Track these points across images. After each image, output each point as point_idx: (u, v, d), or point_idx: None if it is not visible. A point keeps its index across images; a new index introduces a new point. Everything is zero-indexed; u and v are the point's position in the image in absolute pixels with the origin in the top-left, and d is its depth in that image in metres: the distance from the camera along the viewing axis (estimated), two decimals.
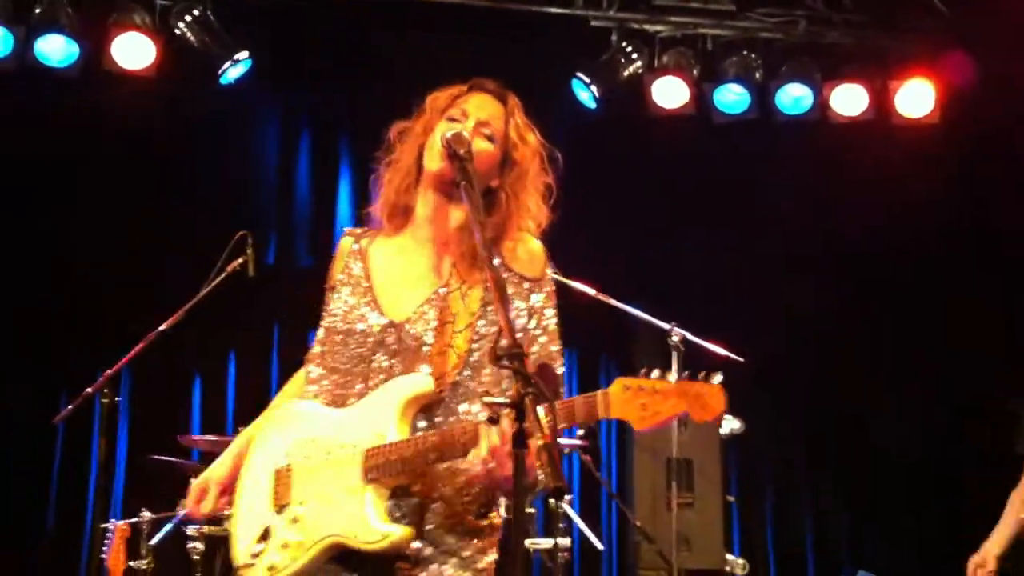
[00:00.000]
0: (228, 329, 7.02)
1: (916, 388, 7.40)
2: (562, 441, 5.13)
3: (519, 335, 2.53)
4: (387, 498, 2.51)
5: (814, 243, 7.22)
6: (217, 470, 2.78)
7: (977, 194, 7.24)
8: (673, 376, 2.39)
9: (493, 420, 2.38)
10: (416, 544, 2.51)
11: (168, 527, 5.11)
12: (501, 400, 2.32)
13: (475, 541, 2.56)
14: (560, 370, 2.67)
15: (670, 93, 7.04)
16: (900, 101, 7.11)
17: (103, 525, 4.62)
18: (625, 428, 6.32)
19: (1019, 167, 6.87)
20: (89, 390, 4.52)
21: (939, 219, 7.30)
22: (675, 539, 5.33)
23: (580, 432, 5.39)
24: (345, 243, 2.82)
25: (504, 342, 2.21)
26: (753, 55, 7.11)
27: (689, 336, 5.03)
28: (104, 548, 4.36)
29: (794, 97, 7.11)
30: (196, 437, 5.59)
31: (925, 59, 7.05)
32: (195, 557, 5.11)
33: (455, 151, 2.54)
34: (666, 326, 5.05)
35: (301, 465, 2.63)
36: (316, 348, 2.78)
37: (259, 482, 2.70)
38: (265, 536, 2.61)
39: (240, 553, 2.65)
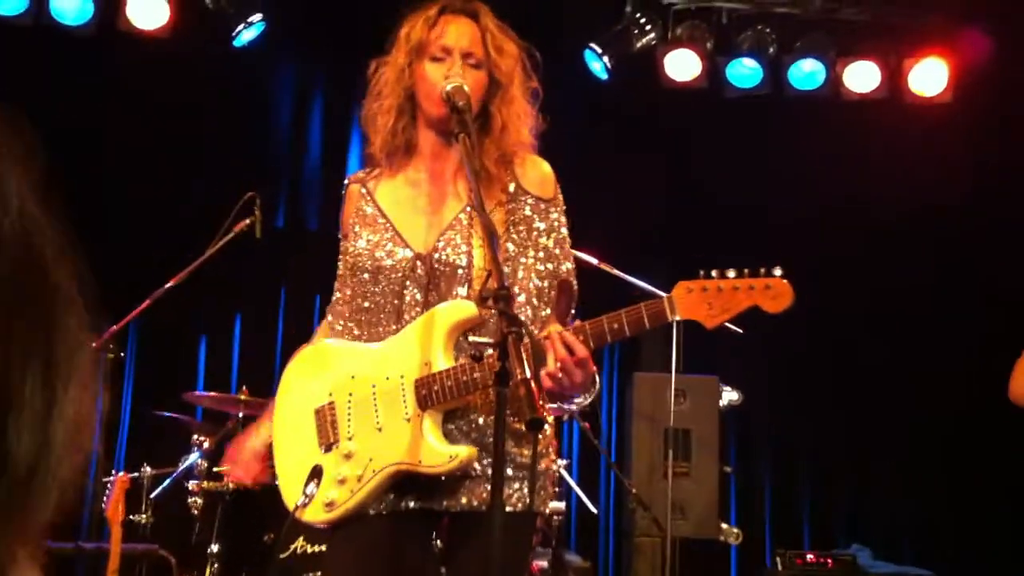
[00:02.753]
0: (235, 290, 7.07)
1: (923, 364, 7.37)
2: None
3: (540, 253, 2.68)
4: (442, 423, 2.57)
5: (820, 219, 7.19)
6: (258, 439, 2.84)
7: (988, 175, 7.19)
8: (731, 274, 2.44)
9: (476, 358, 2.47)
10: (480, 460, 2.55)
11: (168, 481, 5.15)
12: (485, 340, 2.45)
13: (530, 446, 2.59)
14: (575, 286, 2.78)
15: (683, 66, 7.02)
16: (913, 79, 7.06)
17: (104, 478, 4.65)
18: (624, 396, 6.36)
19: None
20: (94, 345, 4.56)
21: (948, 199, 7.27)
22: (670, 507, 5.37)
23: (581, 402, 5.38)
24: (353, 189, 2.86)
25: (492, 284, 2.29)
26: (767, 29, 7.08)
27: None
28: (104, 500, 4.40)
29: (807, 72, 7.09)
30: (200, 394, 5.62)
31: (940, 37, 6.99)
32: (195, 512, 5.14)
33: (455, 104, 2.58)
34: (665, 296, 5.01)
35: (344, 402, 2.66)
36: (338, 295, 2.82)
37: (300, 424, 2.73)
38: (316, 475, 2.64)
39: (293, 495, 2.68)
